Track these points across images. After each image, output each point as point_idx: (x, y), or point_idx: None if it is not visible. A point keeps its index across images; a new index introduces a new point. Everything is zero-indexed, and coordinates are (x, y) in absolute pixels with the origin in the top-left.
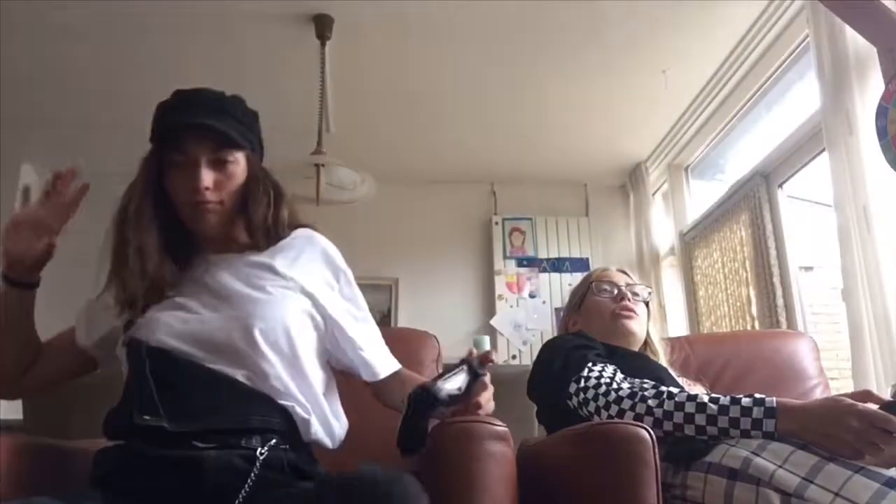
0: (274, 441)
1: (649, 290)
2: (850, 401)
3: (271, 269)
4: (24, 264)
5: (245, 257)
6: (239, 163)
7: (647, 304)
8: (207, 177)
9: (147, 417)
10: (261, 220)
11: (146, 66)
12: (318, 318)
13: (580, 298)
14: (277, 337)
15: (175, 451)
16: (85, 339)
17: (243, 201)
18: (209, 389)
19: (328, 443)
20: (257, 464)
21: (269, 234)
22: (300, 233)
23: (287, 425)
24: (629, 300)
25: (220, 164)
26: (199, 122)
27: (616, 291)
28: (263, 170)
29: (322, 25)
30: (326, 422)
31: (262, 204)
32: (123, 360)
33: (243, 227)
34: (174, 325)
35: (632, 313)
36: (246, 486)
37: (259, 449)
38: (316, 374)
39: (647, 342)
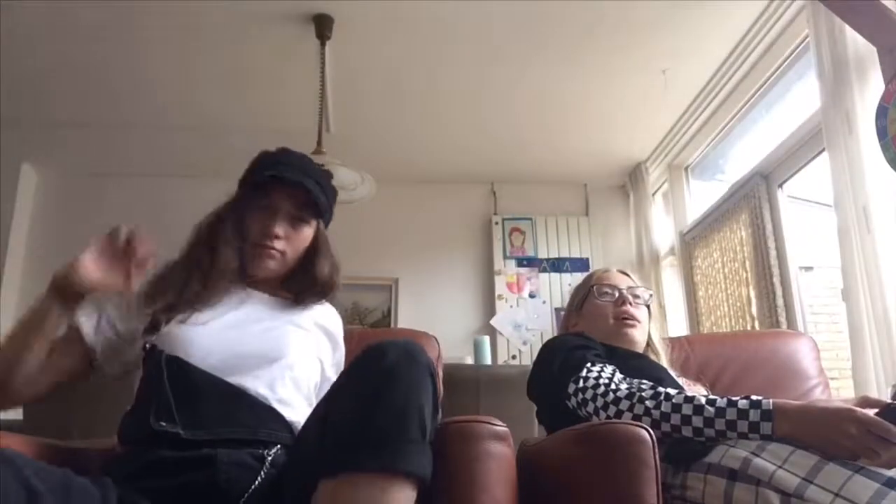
0: (279, 447)
1: (650, 292)
2: (848, 405)
3: (298, 322)
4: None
5: (281, 303)
6: (311, 226)
7: (648, 306)
8: (281, 227)
9: (163, 424)
10: (324, 279)
11: (147, 66)
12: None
13: (581, 300)
14: (303, 370)
15: (187, 452)
16: (93, 334)
17: (304, 260)
18: (224, 402)
19: None
20: (266, 462)
21: (318, 294)
22: (328, 307)
23: (293, 440)
24: (630, 304)
25: (295, 221)
26: (296, 179)
27: (617, 295)
28: (328, 241)
29: (322, 25)
30: None
31: (326, 266)
32: (139, 365)
33: (291, 283)
34: (202, 337)
35: (633, 320)
36: (257, 480)
37: (266, 451)
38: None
39: (648, 343)
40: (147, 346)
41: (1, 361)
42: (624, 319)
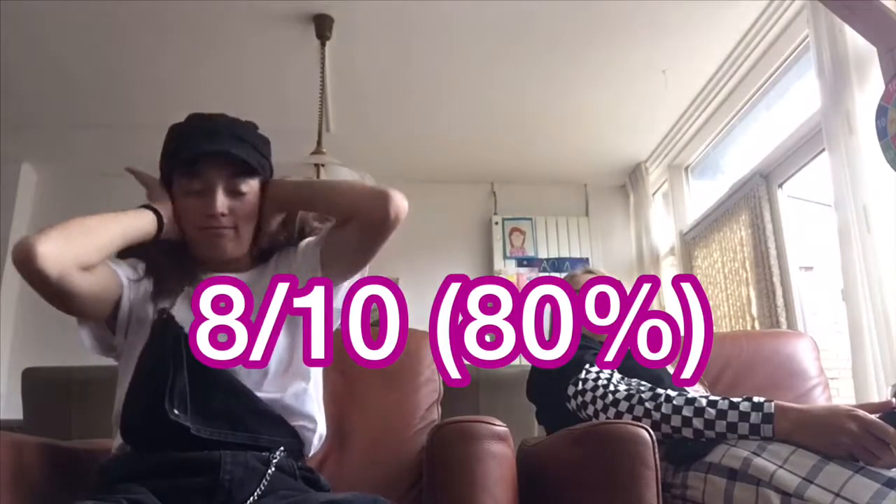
0: (283, 450)
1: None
2: (848, 406)
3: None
4: None
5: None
6: (253, 189)
7: None
8: (223, 203)
9: (177, 413)
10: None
11: (147, 67)
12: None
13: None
14: (297, 368)
15: (191, 453)
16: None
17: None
18: (231, 399)
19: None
20: (272, 464)
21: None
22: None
23: (295, 444)
24: None
25: (235, 192)
26: (221, 150)
27: None
28: None
29: (322, 25)
30: (321, 435)
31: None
32: (142, 334)
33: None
34: None
35: None
36: (263, 483)
37: (271, 454)
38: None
39: None
40: (164, 314)
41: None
42: None
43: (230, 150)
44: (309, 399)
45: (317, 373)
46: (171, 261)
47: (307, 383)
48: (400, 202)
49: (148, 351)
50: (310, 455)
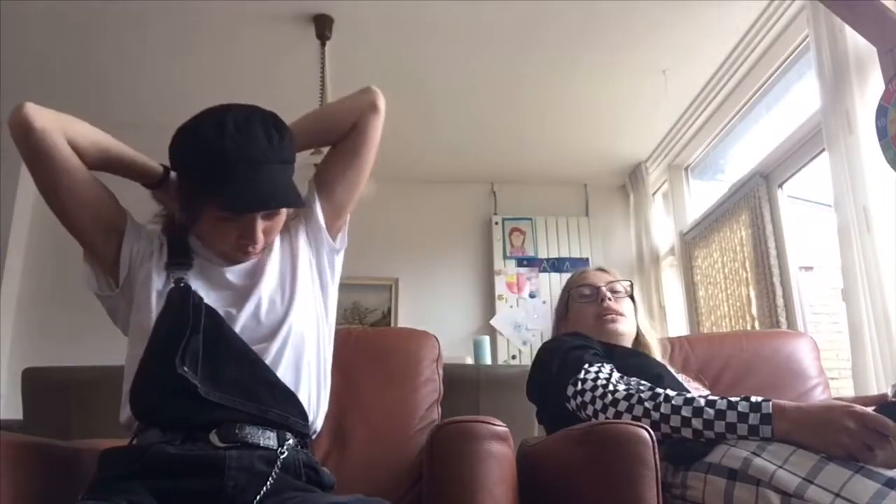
0: (290, 441)
1: (629, 282)
2: (845, 403)
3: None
4: None
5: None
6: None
7: (631, 297)
8: (260, 230)
9: (186, 370)
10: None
11: (146, 66)
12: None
13: (564, 307)
14: (305, 343)
15: (195, 452)
16: (129, 246)
17: None
18: (245, 370)
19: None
20: (277, 464)
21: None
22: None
23: (301, 421)
24: (610, 300)
25: (272, 216)
26: (275, 205)
27: (596, 294)
28: None
29: (322, 25)
30: (322, 414)
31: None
32: (157, 303)
33: None
34: (229, 297)
35: (616, 314)
36: (266, 486)
37: (279, 449)
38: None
39: (638, 335)
40: (181, 282)
41: (93, 140)
42: (606, 316)
43: (284, 201)
44: (319, 374)
45: (326, 345)
46: (183, 234)
47: (317, 358)
48: (377, 91)
49: (164, 316)
50: (315, 434)
